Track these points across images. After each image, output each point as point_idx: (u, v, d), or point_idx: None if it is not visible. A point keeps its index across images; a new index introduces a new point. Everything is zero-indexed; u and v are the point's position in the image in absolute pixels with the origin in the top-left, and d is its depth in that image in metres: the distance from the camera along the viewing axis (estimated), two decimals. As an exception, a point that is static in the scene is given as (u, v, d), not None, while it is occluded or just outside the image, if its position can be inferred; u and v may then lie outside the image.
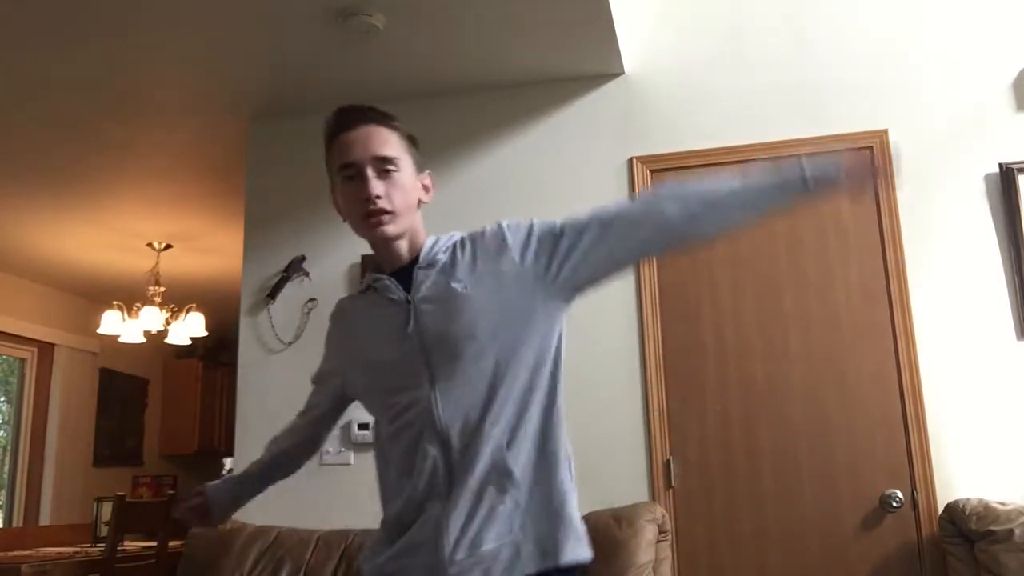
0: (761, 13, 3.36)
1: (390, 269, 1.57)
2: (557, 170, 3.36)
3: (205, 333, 6.05)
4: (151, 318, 5.54)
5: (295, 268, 3.49)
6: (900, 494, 2.86)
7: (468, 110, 3.50)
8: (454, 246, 1.56)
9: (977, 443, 2.86)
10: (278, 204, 3.60)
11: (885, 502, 2.86)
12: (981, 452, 2.85)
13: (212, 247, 5.63)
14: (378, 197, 1.48)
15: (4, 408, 6.34)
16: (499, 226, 1.57)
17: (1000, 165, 3.03)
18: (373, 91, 3.46)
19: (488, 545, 1.39)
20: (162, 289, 5.63)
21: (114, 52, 3.14)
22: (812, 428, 2.97)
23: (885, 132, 3.13)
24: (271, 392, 3.42)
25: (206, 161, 4.22)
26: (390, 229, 1.50)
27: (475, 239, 1.56)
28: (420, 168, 1.60)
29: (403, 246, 1.55)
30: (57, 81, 3.34)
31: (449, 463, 1.42)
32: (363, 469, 3.27)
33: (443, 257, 1.54)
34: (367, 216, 1.49)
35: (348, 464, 3.29)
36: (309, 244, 3.53)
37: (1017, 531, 2.53)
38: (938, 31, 3.20)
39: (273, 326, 3.49)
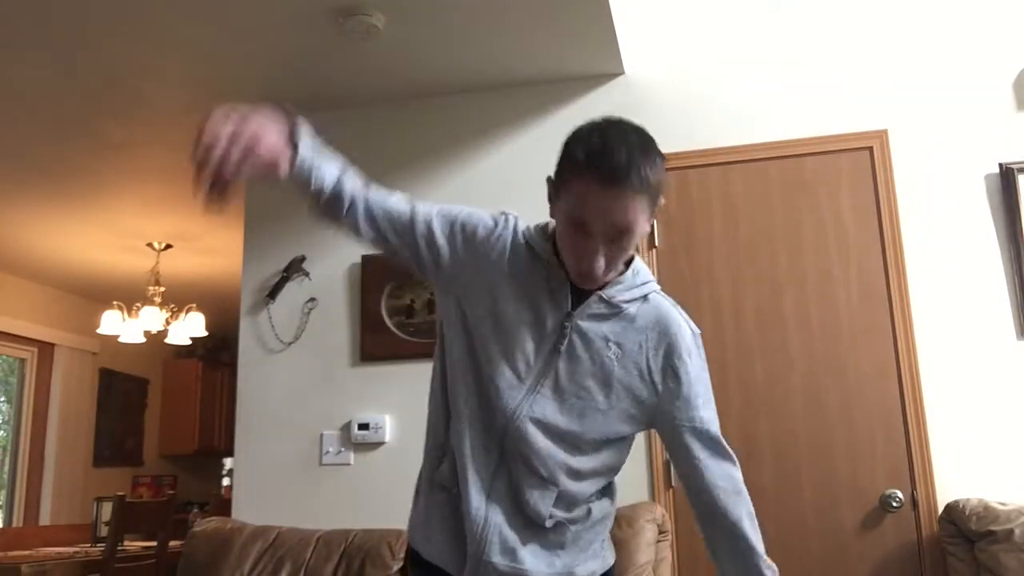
0: (761, 13, 3.36)
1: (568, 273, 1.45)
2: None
3: (205, 333, 6.05)
4: (151, 318, 5.54)
5: (295, 268, 3.49)
6: (900, 494, 2.86)
7: (468, 110, 3.50)
8: (641, 305, 1.48)
9: (977, 443, 2.86)
10: (278, 204, 3.60)
11: (885, 502, 2.86)
12: (981, 452, 2.85)
13: (212, 247, 5.64)
14: (600, 269, 1.37)
15: (4, 408, 6.34)
16: (691, 347, 1.55)
17: (1000, 165, 3.03)
18: (373, 91, 3.48)
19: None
20: (162, 289, 5.63)
21: (114, 52, 3.14)
22: (812, 428, 2.97)
23: (885, 132, 3.13)
24: (271, 392, 3.42)
25: (206, 161, 4.21)
26: (593, 286, 1.43)
27: (661, 331, 1.49)
28: (653, 214, 1.42)
29: None
30: (57, 81, 3.34)
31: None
32: (363, 469, 3.27)
33: (628, 309, 1.46)
34: (579, 273, 1.40)
35: (348, 464, 3.29)
36: (309, 244, 3.53)
37: (1017, 531, 2.53)
38: (938, 31, 3.20)
39: (273, 326, 3.49)
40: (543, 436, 1.43)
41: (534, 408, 1.43)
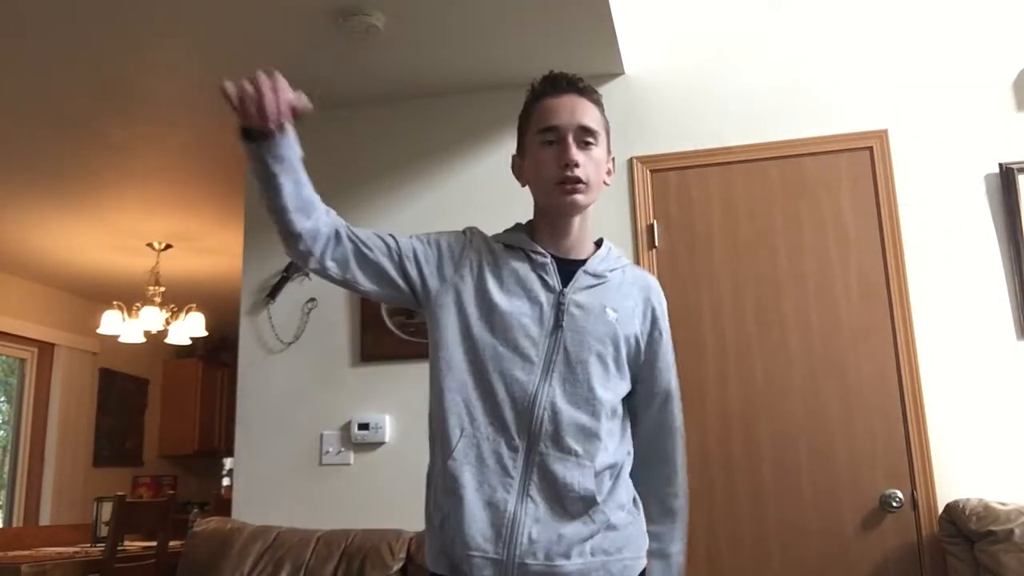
0: (761, 13, 3.36)
1: (555, 248, 1.56)
2: (557, 170, 3.36)
3: (205, 333, 6.05)
4: (151, 318, 5.54)
5: (295, 268, 3.49)
6: (900, 494, 2.86)
7: (468, 110, 3.50)
8: (622, 273, 1.60)
9: (977, 443, 2.86)
10: (278, 204, 3.60)
11: (885, 502, 2.86)
12: (981, 452, 2.85)
13: (212, 247, 5.64)
14: (576, 164, 1.49)
15: (4, 408, 6.34)
16: (666, 312, 1.64)
17: (1000, 165, 3.03)
18: (373, 91, 3.48)
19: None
20: (162, 289, 5.63)
21: (115, 52, 3.14)
22: (812, 428, 2.97)
23: (885, 132, 3.13)
24: (271, 392, 3.42)
25: (206, 161, 4.22)
26: (580, 199, 1.51)
27: (645, 295, 1.61)
28: (609, 149, 1.61)
29: (575, 224, 1.57)
30: (57, 81, 3.34)
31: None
32: (363, 469, 3.27)
33: (611, 277, 1.57)
34: (562, 182, 1.50)
35: (348, 464, 3.29)
36: (309, 244, 3.52)
37: (1017, 531, 2.53)
38: (938, 31, 3.20)
39: (273, 326, 3.49)
40: (569, 411, 1.45)
41: (554, 387, 1.46)
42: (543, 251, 1.55)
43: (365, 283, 1.53)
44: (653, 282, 1.65)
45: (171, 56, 3.20)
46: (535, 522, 1.41)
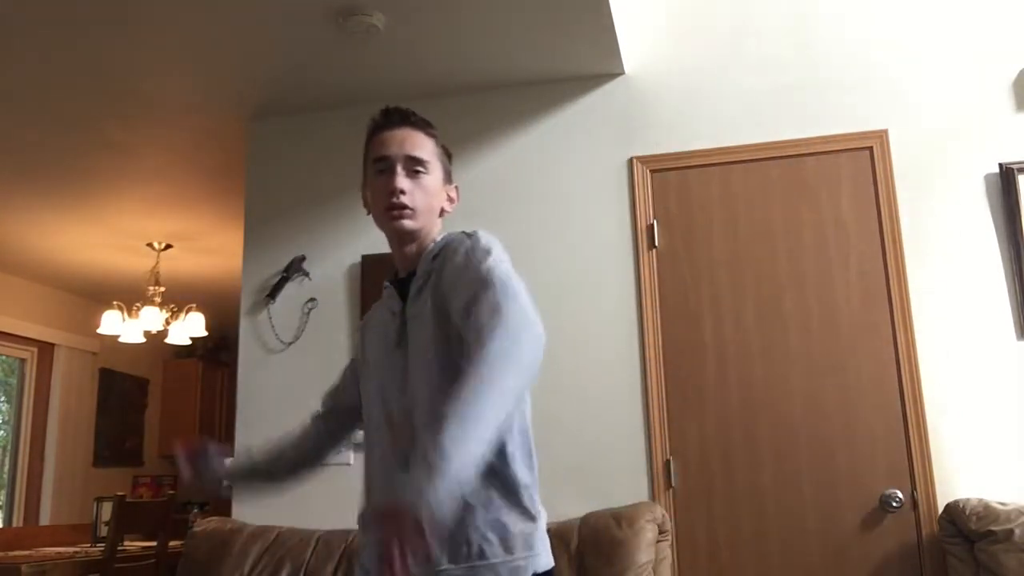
0: (761, 13, 3.36)
1: (402, 273, 1.64)
2: (557, 170, 3.36)
3: (205, 333, 6.05)
4: (151, 318, 5.54)
5: (295, 268, 3.49)
6: (900, 494, 2.86)
7: (468, 110, 3.50)
8: (442, 258, 1.55)
9: (977, 443, 2.86)
10: (278, 204, 3.60)
11: (885, 502, 2.86)
12: (981, 452, 2.85)
13: (212, 247, 5.64)
14: (402, 192, 1.56)
15: (4, 408, 6.34)
16: (459, 251, 1.52)
17: (1000, 165, 3.03)
18: (373, 91, 3.47)
19: None
20: (162, 289, 5.63)
21: (115, 52, 3.14)
22: (812, 428, 2.97)
23: (885, 132, 3.13)
24: (271, 392, 3.42)
25: (206, 161, 4.22)
26: (407, 224, 1.57)
27: (443, 250, 1.56)
28: (448, 178, 1.69)
29: (412, 248, 1.61)
30: (57, 81, 3.34)
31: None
32: (363, 469, 3.27)
33: (434, 266, 1.55)
34: (388, 208, 1.57)
35: (348, 464, 3.29)
36: (309, 244, 3.53)
37: (1017, 531, 2.53)
38: (938, 31, 3.20)
39: (273, 326, 3.49)
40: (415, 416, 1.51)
41: (402, 401, 1.52)
42: (387, 281, 1.66)
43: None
44: (451, 237, 1.57)
45: (171, 56, 3.20)
46: None
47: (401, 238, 1.60)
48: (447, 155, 1.70)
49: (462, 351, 1.37)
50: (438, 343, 1.47)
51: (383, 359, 1.60)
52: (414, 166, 1.59)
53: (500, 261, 1.44)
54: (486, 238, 1.51)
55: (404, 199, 1.56)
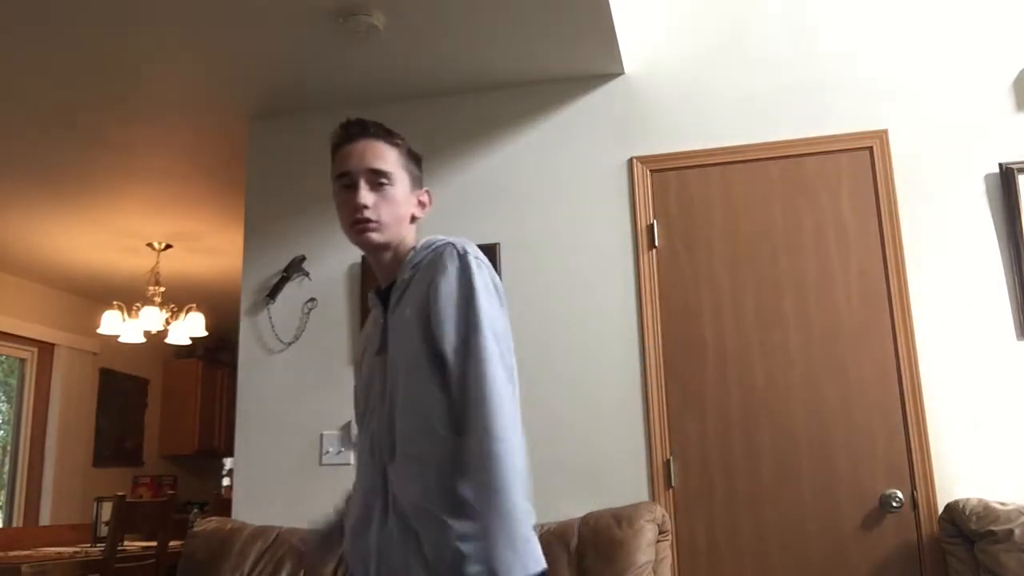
0: (761, 13, 3.36)
1: (383, 283, 1.66)
2: (557, 170, 3.36)
3: (205, 333, 6.05)
4: (151, 318, 5.54)
5: (295, 268, 3.49)
6: (900, 494, 2.86)
7: (468, 110, 3.50)
8: (423, 265, 1.58)
9: (977, 443, 2.86)
10: (278, 204, 3.60)
11: (885, 502, 2.86)
12: (981, 452, 2.85)
13: (212, 247, 5.63)
14: (365, 207, 1.57)
15: (4, 408, 6.34)
16: (447, 268, 1.54)
17: (1000, 165, 3.03)
18: (373, 91, 3.47)
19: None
20: (162, 289, 5.63)
21: (114, 52, 3.14)
22: (812, 428, 2.97)
23: (885, 132, 3.13)
24: (271, 392, 3.42)
25: (206, 161, 4.22)
26: (375, 237, 1.58)
27: (431, 266, 1.55)
28: (418, 184, 1.69)
29: (387, 257, 1.63)
30: (57, 81, 3.34)
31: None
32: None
33: (414, 275, 1.58)
34: (354, 224, 1.59)
35: (348, 464, 3.29)
36: (309, 244, 3.53)
37: (1017, 531, 2.53)
38: (938, 31, 3.20)
39: (273, 326, 3.49)
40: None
41: (381, 408, 1.55)
42: (372, 292, 1.67)
43: None
44: (440, 250, 1.56)
45: (171, 56, 3.20)
46: None
47: (372, 251, 1.63)
48: (415, 160, 1.69)
49: (443, 365, 1.48)
50: (416, 353, 1.50)
51: (369, 364, 1.63)
52: (377, 179, 1.59)
53: (488, 301, 1.49)
54: (475, 263, 1.51)
55: (368, 213, 1.57)
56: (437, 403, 1.48)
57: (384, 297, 1.63)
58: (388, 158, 1.62)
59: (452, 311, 1.48)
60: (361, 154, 1.60)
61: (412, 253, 1.61)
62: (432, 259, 1.55)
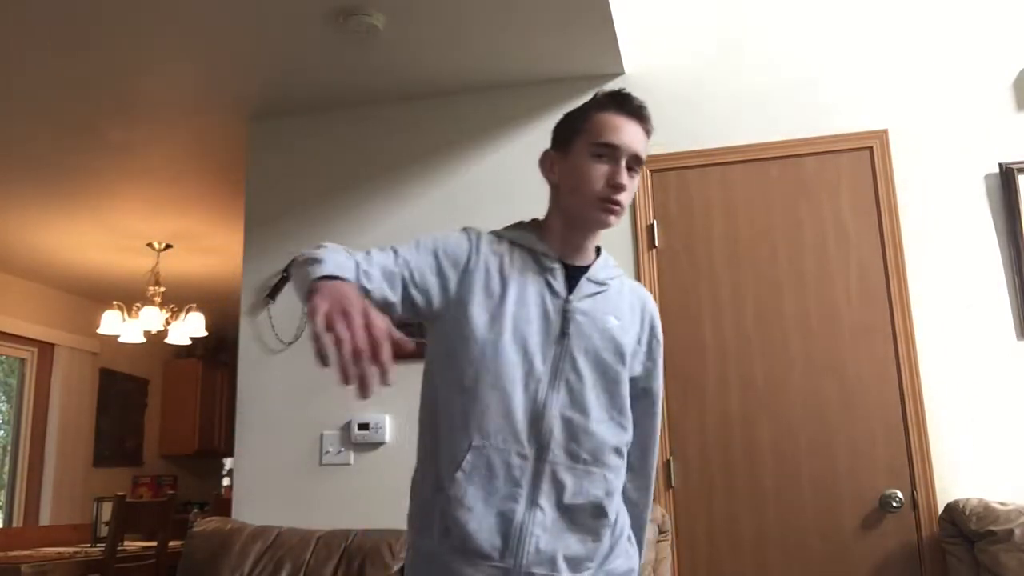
0: (761, 13, 3.36)
1: (562, 256, 1.56)
2: (557, 170, 3.36)
3: (205, 333, 6.05)
4: (151, 318, 5.54)
5: (295, 268, 3.49)
6: (900, 494, 2.86)
7: (468, 110, 3.50)
8: (620, 282, 1.62)
9: (977, 443, 2.86)
10: (278, 204, 3.60)
11: (885, 502, 2.86)
12: (981, 452, 2.85)
13: (212, 247, 5.64)
14: (624, 189, 1.51)
15: (4, 408, 6.34)
16: (658, 330, 1.67)
17: (1000, 165, 3.03)
18: (373, 91, 3.48)
19: None
20: (162, 289, 5.63)
21: (115, 52, 3.14)
22: (812, 428, 2.97)
23: (885, 132, 3.13)
24: (271, 392, 3.42)
25: (206, 161, 4.22)
26: (615, 220, 1.54)
27: (642, 305, 1.64)
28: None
29: (590, 240, 1.59)
30: (57, 81, 3.34)
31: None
32: (363, 469, 3.27)
33: (612, 284, 1.59)
34: (606, 200, 1.50)
35: (348, 464, 3.29)
36: (309, 244, 3.51)
37: (1017, 531, 2.53)
38: (938, 31, 3.20)
39: (273, 326, 3.49)
40: (577, 418, 1.46)
41: (562, 395, 1.47)
42: (552, 255, 1.55)
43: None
44: (647, 293, 1.70)
45: (171, 56, 3.20)
46: (543, 531, 1.42)
47: (593, 230, 1.57)
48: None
49: (630, 387, 1.56)
50: (619, 372, 1.53)
51: (537, 340, 1.47)
52: (634, 165, 1.53)
53: None
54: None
55: (623, 196, 1.51)
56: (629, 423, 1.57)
57: (567, 274, 1.54)
58: (646, 148, 1.57)
59: (659, 362, 1.65)
60: (633, 136, 1.52)
61: (601, 255, 1.61)
62: (635, 287, 1.65)
